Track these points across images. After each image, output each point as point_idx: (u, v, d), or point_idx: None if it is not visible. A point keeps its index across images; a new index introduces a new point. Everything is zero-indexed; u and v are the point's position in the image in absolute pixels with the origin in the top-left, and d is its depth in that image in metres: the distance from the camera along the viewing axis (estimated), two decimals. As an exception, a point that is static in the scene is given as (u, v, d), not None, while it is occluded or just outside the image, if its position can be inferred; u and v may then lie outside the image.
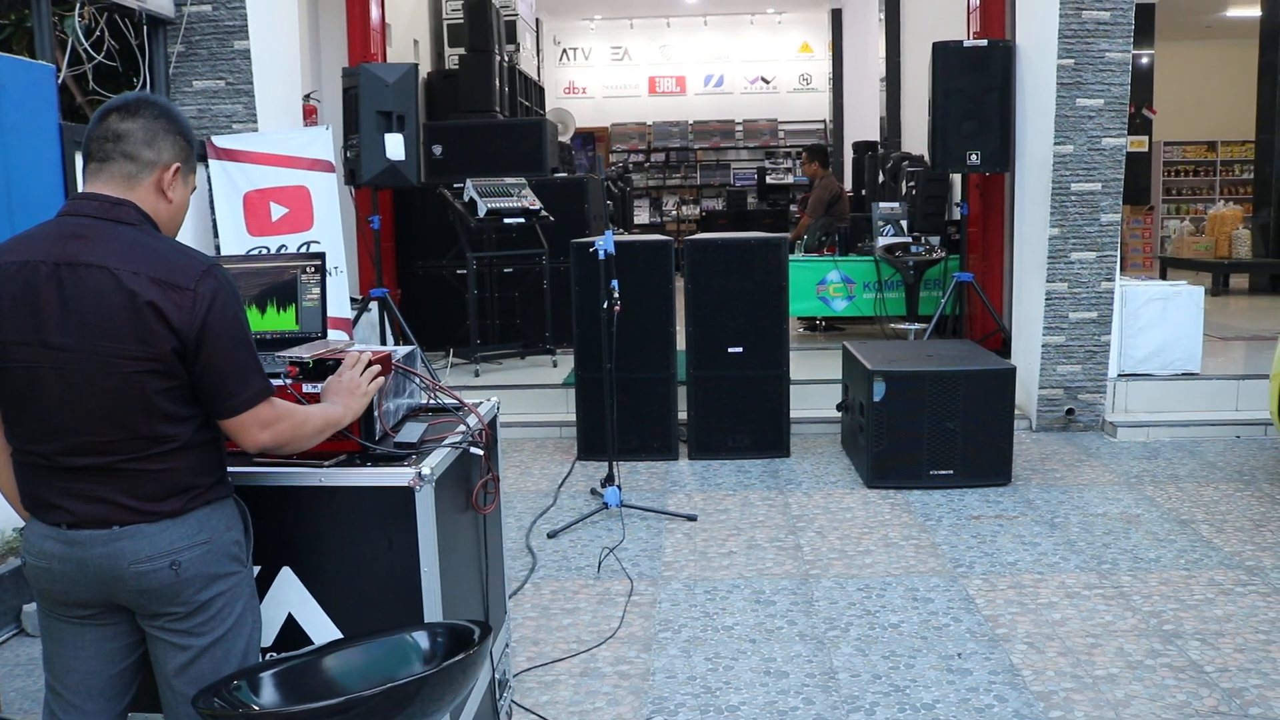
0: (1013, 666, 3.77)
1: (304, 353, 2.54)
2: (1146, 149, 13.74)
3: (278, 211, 6.44)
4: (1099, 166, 6.85)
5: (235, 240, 6.33)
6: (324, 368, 2.49)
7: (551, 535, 5.23)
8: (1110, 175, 6.88)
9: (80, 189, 2.19)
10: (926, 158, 8.93)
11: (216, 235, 6.40)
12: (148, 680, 2.29)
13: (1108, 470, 6.18)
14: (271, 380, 2.23)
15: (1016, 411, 6.24)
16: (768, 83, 19.98)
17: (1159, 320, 7.10)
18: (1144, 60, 13.35)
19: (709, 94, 20.09)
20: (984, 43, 7.46)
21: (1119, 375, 7.15)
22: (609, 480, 5.49)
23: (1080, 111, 6.81)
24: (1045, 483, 5.94)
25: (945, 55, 7.41)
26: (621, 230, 11.91)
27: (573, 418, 6.70)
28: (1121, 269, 7.16)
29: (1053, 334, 7.04)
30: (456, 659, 1.99)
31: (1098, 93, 6.80)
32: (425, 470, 2.42)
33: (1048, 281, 7.00)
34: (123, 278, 2.03)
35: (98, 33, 5.97)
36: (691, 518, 5.43)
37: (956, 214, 8.63)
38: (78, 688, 2.23)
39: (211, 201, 6.36)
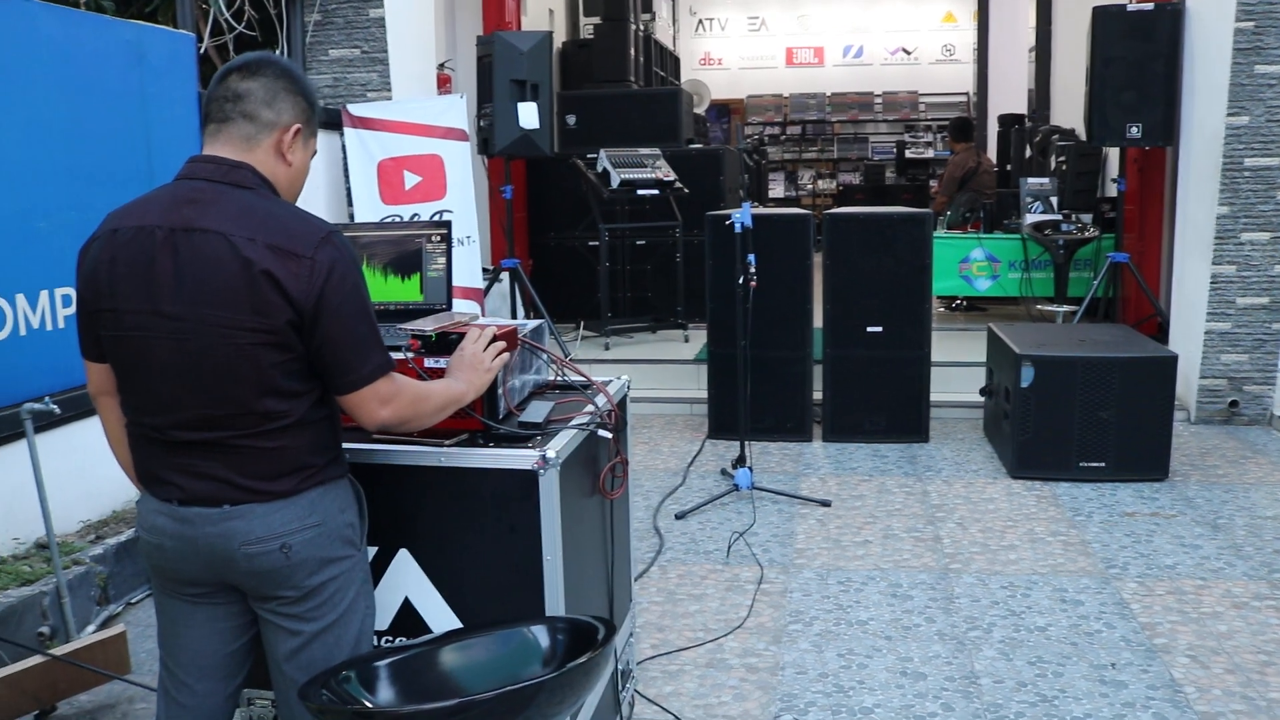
0: (1174, 681, 3.48)
1: (427, 325, 2.44)
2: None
3: (411, 180, 6.42)
4: (1278, 139, 6.36)
5: (369, 208, 6.34)
6: (447, 341, 2.39)
7: (680, 516, 5.08)
8: (1290, 149, 6.38)
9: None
10: (1078, 131, 8.47)
11: (350, 204, 6.42)
12: (262, 657, 2.21)
13: (1277, 469, 5.74)
14: (392, 354, 2.12)
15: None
16: (909, 54, 19.37)
17: (1337, 307, 6.58)
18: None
19: (847, 65, 19.56)
20: (1150, 6, 6.97)
21: (1290, 366, 6.67)
22: (740, 461, 5.31)
23: (1259, 79, 6.31)
24: (1206, 480, 5.55)
25: (1106, 21, 6.97)
26: (757, 204, 11.66)
27: (704, 394, 6.54)
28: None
29: (1217, 320, 6.58)
30: (578, 662, 1.85)
31: None
32: (550, 453, 2.29)
33: (1213, 264, 6.54)
34: (238, 244, 1.94)
35: (238, 3, 6.01)
36: (825, 503, 5.22)
37: (1112, 190, 8.16)
38: (189, 666, 2.18)
39: (346, 170, 6.37)
